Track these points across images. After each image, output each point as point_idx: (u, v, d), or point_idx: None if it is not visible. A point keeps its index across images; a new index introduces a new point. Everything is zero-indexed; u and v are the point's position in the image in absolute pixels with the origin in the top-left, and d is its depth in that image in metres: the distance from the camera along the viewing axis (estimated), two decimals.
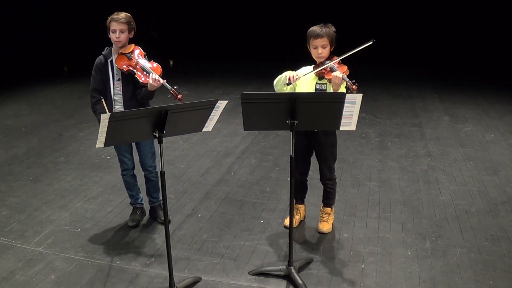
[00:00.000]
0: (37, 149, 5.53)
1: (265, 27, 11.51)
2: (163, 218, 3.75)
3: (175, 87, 3.30)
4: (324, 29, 3.30)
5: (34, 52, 10.27)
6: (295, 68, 3.47)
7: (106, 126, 2.49)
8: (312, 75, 3.36)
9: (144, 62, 3.43)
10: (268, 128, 3.13)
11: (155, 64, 3.46)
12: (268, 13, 11.42)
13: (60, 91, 8.57)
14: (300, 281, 3.01)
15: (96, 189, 4.48)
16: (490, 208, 4.06)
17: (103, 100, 3.49)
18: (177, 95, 3.30)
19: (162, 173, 2.79)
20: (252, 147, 5.60)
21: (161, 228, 3.74)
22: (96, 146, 2.58)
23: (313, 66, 3.40)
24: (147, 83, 3.36)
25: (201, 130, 2.97)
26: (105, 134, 2.52)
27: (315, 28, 3.33)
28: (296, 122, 2.84)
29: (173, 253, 3.28)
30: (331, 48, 3.35)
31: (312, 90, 3.37)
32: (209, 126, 2.98)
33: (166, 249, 2.86)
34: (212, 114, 2.90)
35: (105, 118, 2.48)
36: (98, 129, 2.51)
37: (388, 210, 4.04)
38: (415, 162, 5.11)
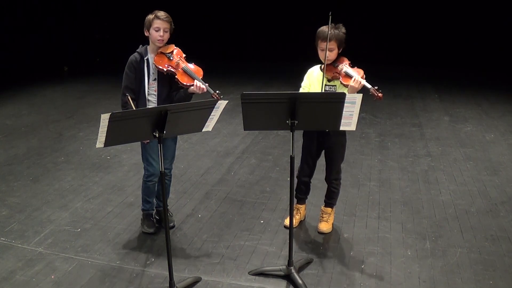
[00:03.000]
0: (37, 149, 5.53)
1: (265, 27, 11.51)
2: (170, 224, 3.71)
3: (217, 92, 3.20)
4: (333, 32, 3.23)
5: (34, 52, 10.27)
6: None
7: (106, 126, 2.49)
8: (321, 76, 3.33)
9: (186, 64, 3.34)
10: (268, 128, 3.13)
11: (193, 66, 3.36)
12: (269, 13, 11.43)
13: (60, 91, 8.57)
14: (300, 281, 3.01)
15: (96, 189, 4.48)
16: (490, 208, 4.06)
17: (129, 97, 3.32)
18: (219, 99, 3.24)
19: (162, 173, 2.79)
20: (252, 147, 5.60)
21: (161, 228, 3.74)
22: (96, 146, 2.57)
23: (320, 66, 3.37)
24: (188, 86, 3.28)
25: (201, 130, 2.97)
26: (105, 134, 2.52)
27: (325, 30, 3.25)
28: (296, 122, 2.84)
29: (173, 253, 3.28)
30: (339, 50, 3.31)
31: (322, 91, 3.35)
32: (209, 126, 2.98)
33: (166, 249, 2.87)
34: (212, 114, 2.90)
35: (105, 118, 2.48)
36: (99, 129, 2.51)
37: (388, 210, 4.04)
38: (415, 162, 5.11)
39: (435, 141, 5.79)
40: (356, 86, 3.13)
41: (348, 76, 3.22)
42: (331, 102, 2.86)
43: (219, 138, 5.93)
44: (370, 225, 3.80)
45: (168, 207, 3.83)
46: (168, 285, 2.90)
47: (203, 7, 11.79)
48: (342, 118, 2.88)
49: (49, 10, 10.58)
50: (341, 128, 2.95)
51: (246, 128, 2.91)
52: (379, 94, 3.09)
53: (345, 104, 2.82)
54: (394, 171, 4.88)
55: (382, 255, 3.38)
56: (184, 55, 3.41)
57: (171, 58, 3.35)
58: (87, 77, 9.76)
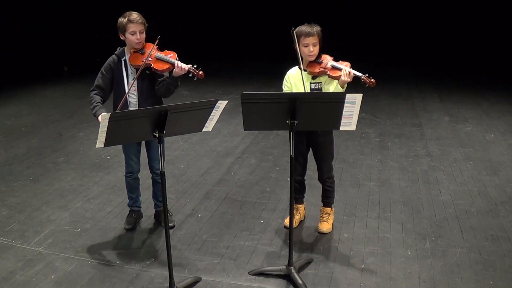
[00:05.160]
0: (37, 149, 5.53)
1: (265, 27, 11.51)
2: (170, 224, 3.71)
3: (194, 66, 3.23)
4: (314, 28, 3.31)
5: (34, 52, 10.27)
6: (287, 68, 3.47)
7: (106, 126, 2.49)
8: (306, 74, 3.35)
9: (158, 52, 3.32)
10: (268, 128, 3.13)
11: (165, 52, 3.35)
12: (268, 13, 11.43)
13: (60, 91, 8.56)
14: (300, 281, 3.01)
15: (96, 189, 4.48)
16: (490, 208, 4.06)
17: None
18: (197, 72, 3.20)
19: (162, 174, 2.79)
20: (252, 147, 5.60)
21: (161, 228, 3.74)
22: (96, 146, 2.58)
23: (298, 66, 3.37)
24: (167, 71, 3.28)
25: (201, 130, 2.98)
26: (105, 134, 2.52)
27: (305, 27, 3.31)
28: (296, 122, 2.84)
29: (173, 253, 3.27)
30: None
31: (307, 89, 3.36)
32: (209, 126, 2.98)
33: (166, 249, 2.87)
34: (212, 114, 2.90)
35: (105, 118, 2.48)
36: (98, 128, 2.51)
37: (388, 210, 4.04)
38: (415, 162, 5.11)
39: (435, 141, 5.79)
40: (347, 78, 3.14)
41: (336, 68, 3.23)
42: (331, 102, 2.86)
43: (219, 138, 5.93)
44: (370, 225, 3.80)
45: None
46: (168, 285, 2.90)
47: (203, 7, 11.80)
48: (342, 118, 2.88)
49: (49, 10, 10.58)
50: (341, 128, 2.95)
51: (246, 128, 2.91)
52: (372, 80, 3.10)
53: (345, 104, 2.82)
54: (394, 171, 4.88)
55: (382, 255, 3.38)
56: (156, 46, 3.34)
57: (143, 52, 3.35)
58: (87, 77, 9.72)
